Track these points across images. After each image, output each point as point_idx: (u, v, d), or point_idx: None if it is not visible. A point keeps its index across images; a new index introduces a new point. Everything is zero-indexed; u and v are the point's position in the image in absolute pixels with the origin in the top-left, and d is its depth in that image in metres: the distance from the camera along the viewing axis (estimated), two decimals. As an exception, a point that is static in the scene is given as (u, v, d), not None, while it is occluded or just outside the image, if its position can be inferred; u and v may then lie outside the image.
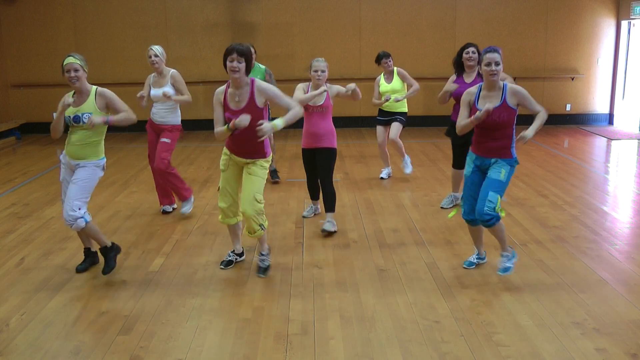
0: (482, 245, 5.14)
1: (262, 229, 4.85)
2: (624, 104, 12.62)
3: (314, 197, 6.50)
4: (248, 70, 4.62)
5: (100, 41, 12.21)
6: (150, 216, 6.63)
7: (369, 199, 7.23)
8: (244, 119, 4.48)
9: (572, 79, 12.73)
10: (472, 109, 4.70)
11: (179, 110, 6.52)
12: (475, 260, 5.13)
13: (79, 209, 4.71)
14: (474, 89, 4.75)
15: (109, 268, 4.90)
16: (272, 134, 5.28)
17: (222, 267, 5.13)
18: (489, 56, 4.55)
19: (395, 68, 7.95)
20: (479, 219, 4.64)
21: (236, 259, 5.23)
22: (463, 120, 4.73)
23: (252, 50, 7.48)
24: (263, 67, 7.73)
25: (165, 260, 5.33)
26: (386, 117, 8.01)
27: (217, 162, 9.37)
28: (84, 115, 4.70)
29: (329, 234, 5.93)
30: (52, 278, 4.95)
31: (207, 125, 12.58)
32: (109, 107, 4.84)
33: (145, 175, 8.59)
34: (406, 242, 5.74)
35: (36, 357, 3.73)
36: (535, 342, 3.83)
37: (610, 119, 12.87)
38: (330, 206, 6.05)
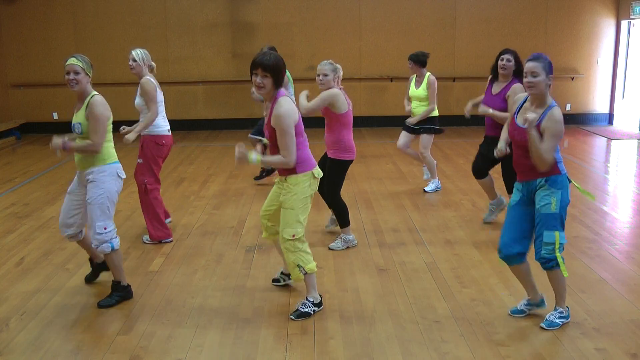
0: (534, 286, 4.15)
1: (301, 271, 4.17)
2: (624, 103, 12.62)
3: (328, 205, 5.91)
4: (278, 85, 4.01)
5: (100, 41, 12.20)
6: (150, 216, 6.62)
7: (369, 199, 7.23)
8: (237, 155, 4.03)
9: (572, 79, 12.72)
10: (512, 118, 4.08)
11: (159, 119, 5.69)
12: (524, 308, 4.19)
13: (105, 228, 4.31)
14: (522, 96, 4.13)
15: (107, 302, 4.45)
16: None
17: (273, 283, 4.78)
18: (528, 65, 3.87)
19: (428, 74, 7.27)
20: (537, 260, 3.95)
21: (284, 279, 4.75)
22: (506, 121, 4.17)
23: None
24: (287, 74, 7.18)
25: (165, 260, 5.33)
26: (411, 125, 7.45)
27: (217, 162, 9.43)
28: (75, 125, 4.31)
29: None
30: (52, 278, 4.95)
31: (207, 125, 12.62)
32: (93, 119, 4.25)
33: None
34: (406, 242, 5.74)
35: (36, 357, 3.73)
36: (535, 342, 3.83)
37: (610, 118, 12.87)
38: (339, 221, 5.57)
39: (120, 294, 4.51)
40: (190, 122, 12.38)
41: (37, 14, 12.19)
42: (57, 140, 4.24)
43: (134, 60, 5.60)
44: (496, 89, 5.83)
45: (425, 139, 7.42)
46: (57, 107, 12.42)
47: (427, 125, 7.38)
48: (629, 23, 12.27)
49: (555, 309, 4.07)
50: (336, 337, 3.92)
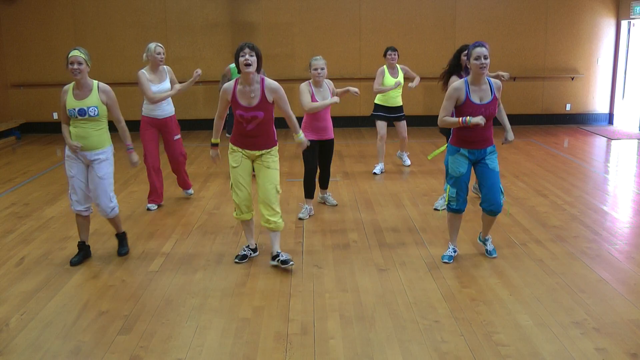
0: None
1: (281, 219, 5.10)
2: (624, 103, 12.62)
3: (311, 195, 6.57)
4: (259, 68, 4.79)
5: (100, 41, 12.20)
6: (150, 216, 6.63)
7: (369, 199, 7.23)
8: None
9: (572, 79, 12.72)
10: (466, 102, 4.82)
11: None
12: (454, 254, 5.28)
13: (113, 197, 5.29)
14: (459, 84, 4.87)
15: (125, 250, 5.50)
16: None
17: (236, 260, 5.24)
18: (478, 50, 4.76)
19: (399, 65, 8.52)
20: (494, 210, 5.03)
21: (250, 253, 5.34)
22: (448, 116, 4.91)
23: None
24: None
25: (165, 260, 5.33)
26: (389, 114, 8.49)
27: (217, 162, 9.40)
28: (90, 109, 5.00)
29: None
30: (52, 278, 4.95)
31: (207, 125, 12.59)
32: (107, 107, 5.13)
33: (146, 175, 8.58)
34: (406, 242, 5.74)
35: (36, 357, 3.73)
36: (535, 342, 3.84)
37: (610, 118, 12.87)
38: (327, 184, 6.86)
39: (126, 239, 5.59)
40: (190, 122, 12.39)
41: (37, 14, 12.18)
42: (135, 158, 5.37)
43: (164, 53, 6.64)
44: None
45: (404, 125, 8.63)
46: (57, 107, 12.38)
47: (403, 113, 8.59)
48: (629, 23, 12.27)
49: (489, 240, 5.35)
50: (336, 337, 3.92)
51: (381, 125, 8.50)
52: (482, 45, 4.79)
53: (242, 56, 4.71)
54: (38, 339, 3.95)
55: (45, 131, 12.34)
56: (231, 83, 4.90)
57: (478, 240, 5.51)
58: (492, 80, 4.95)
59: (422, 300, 4.46)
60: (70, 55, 4.92)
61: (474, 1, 12.42)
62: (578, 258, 5.25)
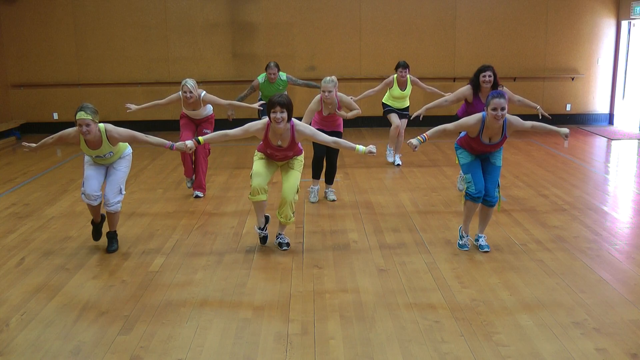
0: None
1: (293, 216, 5.50)
2: (624, 104, 12.61)
3: (318, 176, 7.21)
4: (289, 118, 5.15)
5: (100, 41, 12.20)
6: (150, 216, 6.63)
7: (369, 199, 7.23)
8: None
9: (572, 79, 12.72)
10: (476, 138, 5.17)
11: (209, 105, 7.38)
12: (467, 241, 5.50)
13: (123, 192, 5.46)
14: (477, 121, 5.10)
15: (113, 248, 5.54)
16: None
17: (262, 244, 5.62)
18: (496, 102, 4.90)
19: (408, 77, 8.88)
20: (489, 200, 5.29)
21: (266, 232, 5.61)
22: (452, 124, 5.24)
23: (277, 69, 8.64)
24: (284, 77, 8.81)
25: (165, 260, 5.33)
26: (397, 110, 9.11)
27: (216, 164, 9.44)
28: (106, 155, 5.31)
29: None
30: (52, 278, 4.95)
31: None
32: (126, 141, 5.39)
33: (146, 176, 8.60)
34: (406, 242, 5.74)
35: (36, 357, 3.73)
36: (535, 342, 3.84)
37: (610, 119, 12.87)
38: (332, 180, 7.24)
39: (116, 237, 5.62)
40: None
41: (37, 14, 12.18)
42: (182, 145, 5.35)
43: (190, 92, 6.93)
44: (485, 98, 6.41)
45: (405, 122, 9.15)
46: (57, 107, 12.41)
47: (408, 112, 9.11)
48: (629, 23, 12.27)
49: (483, 237, 5.45)
50: (336, 338, 3.92)
51: (393, 116, 9.03)
52: (502, 96, 4.89)
53: (274, 113, 5.04)
54: (38, 339, 3.95)
55: (46, 131, 12.23)
56: (264, 124, 5.23)
57: (474, 242, 5.52)
58: (509, 120, 5.08)
59: (422, 300, 4.47)
60: (77, 118, 5.02)
61: (474, 1, 12.42)
62: (578, 258, 5.25)
